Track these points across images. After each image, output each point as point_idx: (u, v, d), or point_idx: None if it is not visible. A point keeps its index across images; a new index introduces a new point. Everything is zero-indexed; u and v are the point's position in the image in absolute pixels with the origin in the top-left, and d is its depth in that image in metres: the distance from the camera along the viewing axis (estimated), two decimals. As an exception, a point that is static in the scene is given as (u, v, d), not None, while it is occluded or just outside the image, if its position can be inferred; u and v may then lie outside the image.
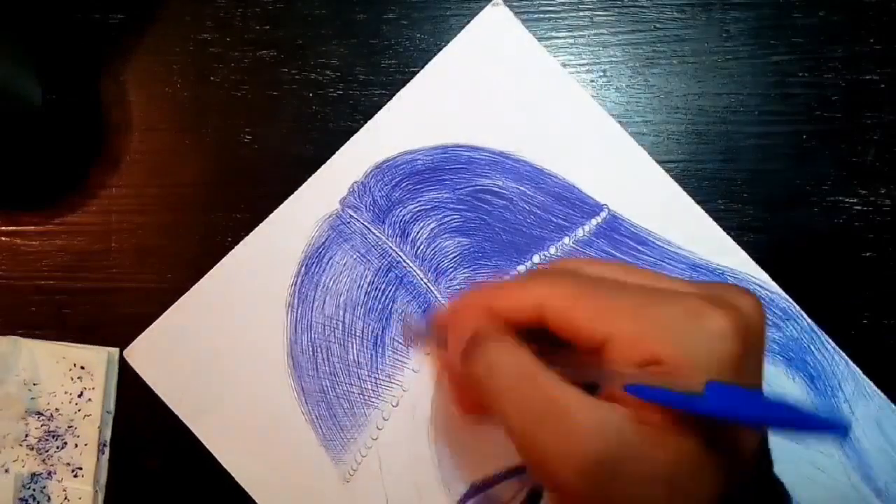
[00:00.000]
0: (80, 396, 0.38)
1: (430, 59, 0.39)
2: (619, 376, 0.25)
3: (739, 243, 0.38)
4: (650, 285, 0.27)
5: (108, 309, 0.39)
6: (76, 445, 0.37)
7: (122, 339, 0.39)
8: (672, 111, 0.39)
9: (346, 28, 0.40)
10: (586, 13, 0.39)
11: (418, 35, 0.40)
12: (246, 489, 0.37)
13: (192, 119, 0.40)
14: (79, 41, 0.40)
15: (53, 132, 0.38)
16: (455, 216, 0.38)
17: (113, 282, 0.39)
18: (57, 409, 0.38)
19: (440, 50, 0.39)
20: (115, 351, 0.38)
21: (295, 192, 0.39)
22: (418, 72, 0.39)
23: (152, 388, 0.38)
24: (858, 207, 0.39)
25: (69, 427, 0.37)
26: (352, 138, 0.39)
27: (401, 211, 0.38)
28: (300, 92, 0.40)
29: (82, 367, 0.38)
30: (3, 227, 0.40)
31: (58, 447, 0.37)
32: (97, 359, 0.38)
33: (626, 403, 0.25)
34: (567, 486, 0.25)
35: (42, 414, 0.38)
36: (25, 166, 0.39)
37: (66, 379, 0.38)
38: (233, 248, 0.39)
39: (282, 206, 0.39)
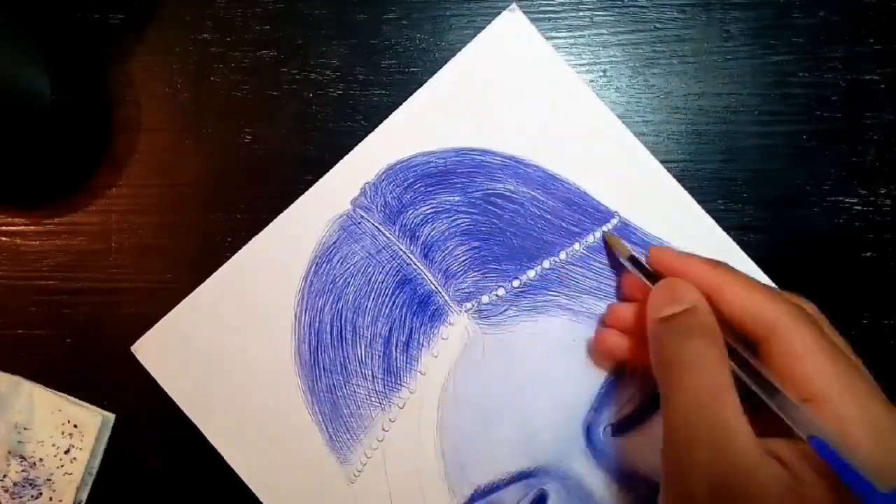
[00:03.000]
0: (66, 453, 0.38)
1: (429, 59, 0.39)
2: (810, 426, 0.26)
3: (739, 243, 0.38)
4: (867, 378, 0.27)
5: (108, 309, 0.39)
6: (50, 499, 0.37)
7: (122, 339, 0.39)
8: (672, 111, 0.39)
9: (346, 28, 0.40)
10: (586, 13, 0.39)
11: (418, 35, 0.40)
12: (250, 487, 0.38)
13: (192, 119, 0.40)
14: (84, 40, 0.40)
15: (59, 130, 0.38)
16: (466, 219, 0.38)
17: (113, 282, 0.39)
18: (41, 459, 0.38)
19: (440, 50, 0.39)
20: (110, 416, 0.38)
21: (306, 192, 0.39)
22: (418, 72, 0.39)
23: (160, 383, 0.38)
24: (858, 207, 0.39)
25: (48, 480, 0.37)
26: (365, 139, 0.39)
27: (412, 213, 0.38)
28: (300, 92, 0.40)
29: (75, 426, 0.38)
30: (3, 227, 0.40)
31: (32, 496, 0.37)
32: (92, 421, 0.38)
33: (793, 463, 0.26)
34: (689, 499, 0.26)
35: (25, 459, 0.38)
36: (29, 164, 0.39)
37: (57, 432, 0.38)
38: (233, 248, 0.39)
39: (293, 206, 0.39)
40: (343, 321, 0.38)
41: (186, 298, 0.38)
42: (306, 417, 0.38)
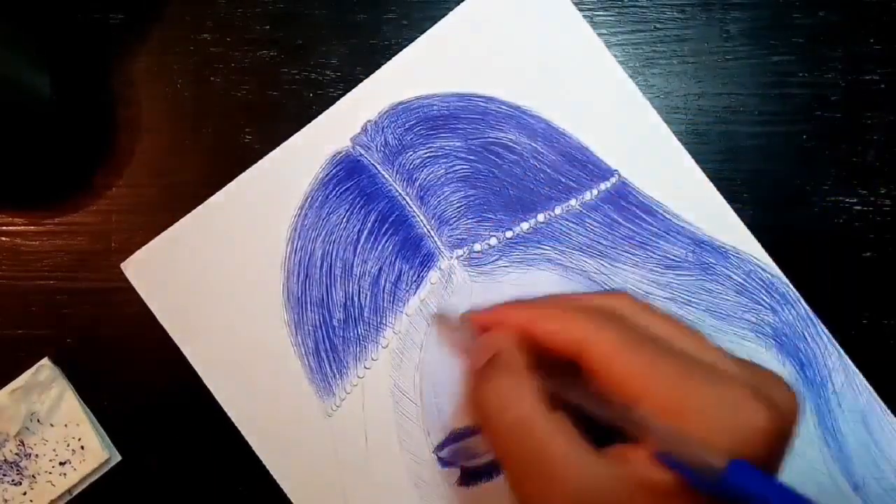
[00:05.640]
0: (61, 465, 0.37)
1: (430, 59, 0.40)
2: (647, 428, 0.25)
3: (739, 243, 0.38)
4: (696, 355, 0.27)
5: (108, 309, 0.39)
6: (24, 494, 0.37)
7: (122, 339, 0.39)
8: (672, 111, 0.39)
9: (346, 28, 0.40)
10: (586, 13, 0.39)
11: (418, 35, 0.40)
12: (227, 412, 0.38)
13: (192, 119, 0.40)
14: (85, 40, 0.40)
15: (59, 129, 0.39)
16: (464, 166, 0.38)
17: (113, 282, 0.39)
18: (37, 456, 0.37)
19: (440, 50, 0.40)
20: (117, 458, 0.38)
21: (307, 126, 0.39)
22: (418, 71, 0.39)
23: (146, 302, 0.38)
24: (858, 207, 0.39)
25: (33, 476, 0.37)
26: (370, 77, 0.39)
27: (411, 155, 0.38)
28: (300, 92, 0.40)
29: (82, 447, 0.37)
30: (3, 227, 0.40)
31: (11, 481, 0.37)
32: (98, 454, 0.37)
33: (638, 460, 0.25)
34: None
35: (24, 446, 0.37)
36: (29, 165, 0.39)
37: (64, 442, 0.38)
38: (233, 247, 0.39)
39: (292, 138, 0.39)
40: (334, 257, 0.38)
41: (178, 222, 0.38)
42: (289, 349, 0.38)
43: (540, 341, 0.29)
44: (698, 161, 0.39)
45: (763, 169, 0.39)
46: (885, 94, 0.39)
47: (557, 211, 0.38)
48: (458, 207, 0.38)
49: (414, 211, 0.38)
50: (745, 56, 0.39)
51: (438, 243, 0.38)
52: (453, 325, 0.36)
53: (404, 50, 0.39)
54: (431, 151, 0.38)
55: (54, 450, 0.38)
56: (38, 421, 0.38)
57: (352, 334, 0.38)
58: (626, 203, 0.38)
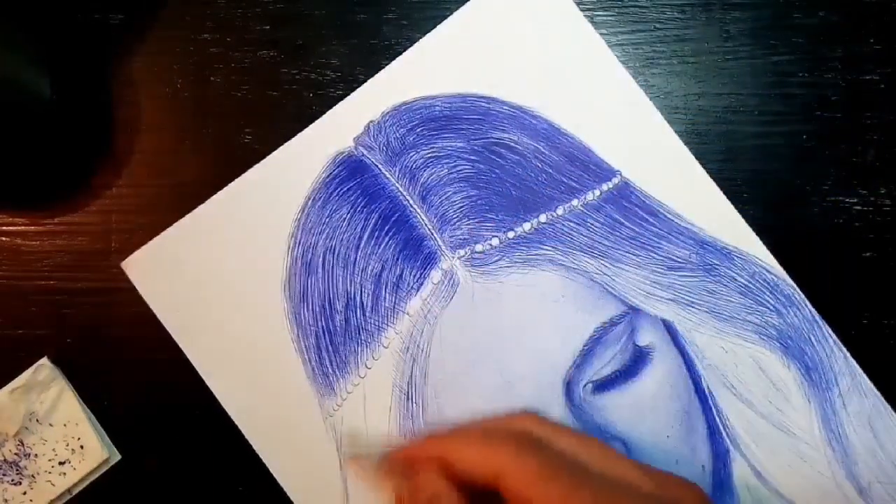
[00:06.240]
0: (60, 464, 0.37)
1: (430, 59, 0.40)
2: None
3: (739, 243, 0.38)
4: (611, 474, 0.28)
5: (108, 309, 0.39)
6: (24, 493, 0.37)
7: (122, 339, 0.39)
8: (672, 111, 0.39)
9: (346, 28, 0.40)
10: (586, 13, 0.39)
11: (418, 35, 0.40)
12: (228, 412, 0.38)
13: (192, 119, 0.40)
14: (85, 40, 0.40)
15: (59, 129, 0.39)
16: (467, 166, 0.38)
17: (113, 282, 0.39)
18: (36, 455, 0.37)
19: (440, 50, 0.40)
20: (116, 457, 0.38)
21: (310, 126, 0.39)
22: (418, 71, 0.39)
23: (147, 301, 0.38)
24: (858, 207, 0.39)
25: (32, 476, 0.37)
26: (372, 78, 0.39)
27: (413, 155, 0.38)
28: (300, 92, 0.40)
29: (81, 447, 0.37)
30: (4, 227, 0.40)
31: (12, 481, 0.37)
32: (98, 453, 0.37)
33: None
34: None
35: (24, 446, 0.37)
36: (30, 165, 0.39)
37: (63, 442, 0.38)
38: (233, 247, 0.39)
39: (294, 138, 0.39)
40: (335, 257, 0.38)
41: (180, 221, 0.38)
42: (290, 349, 0.38)
43: (460, 471, 0.29)
44: (698, 161, 0.39)
45: (763, 169, 0.39)
46: (885, 94, 0.39)
47: (560, 211, 0.38)
48: (460, 208, 0.38)
49: (416, 211, 0.38)
50: (746, 56, 0.39)
51: (440, 243, 0.38)
52: (371, 465, 0.37)
53: (407, 51, 0.39)
54: (434, 152, 0.38)
55: (54, 449, 0.38)
56: (38, 421, 0.38)
57: (353, 334, 0.38)
58: (628, 204, 0.38)
